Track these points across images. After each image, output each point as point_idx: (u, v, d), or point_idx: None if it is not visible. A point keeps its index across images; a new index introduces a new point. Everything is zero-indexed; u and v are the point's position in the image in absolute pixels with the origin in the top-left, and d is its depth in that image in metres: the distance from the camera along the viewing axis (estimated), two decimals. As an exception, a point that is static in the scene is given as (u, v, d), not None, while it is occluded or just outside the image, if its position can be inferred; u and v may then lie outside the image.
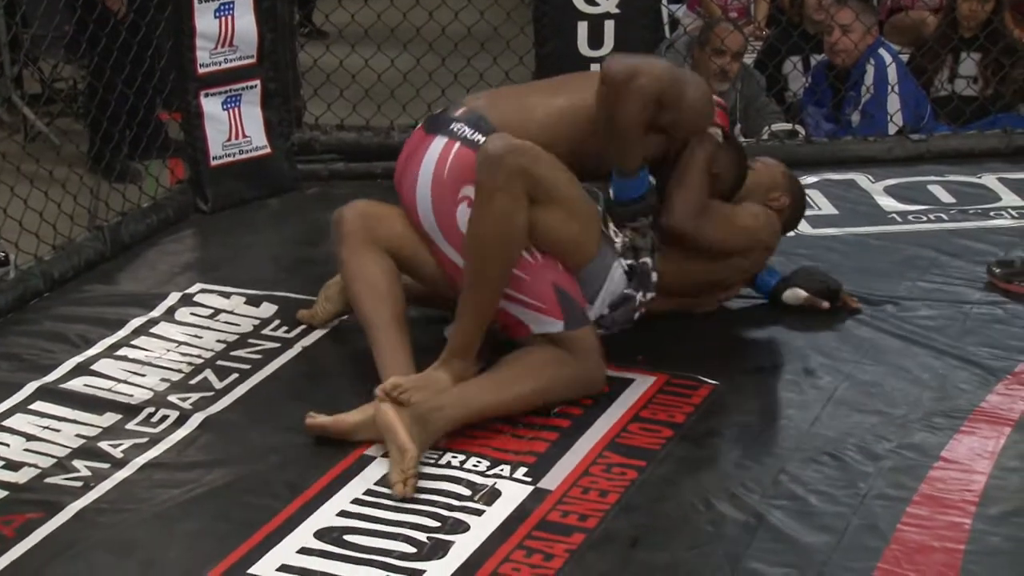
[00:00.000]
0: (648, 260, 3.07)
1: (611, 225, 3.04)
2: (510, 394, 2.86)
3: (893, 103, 5.13)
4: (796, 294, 3.33)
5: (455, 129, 2.98)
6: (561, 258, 2.97)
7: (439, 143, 2.98)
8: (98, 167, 4.88)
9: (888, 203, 4.12)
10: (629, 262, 3.05)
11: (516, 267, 2.89)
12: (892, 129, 5.01)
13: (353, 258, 3.03)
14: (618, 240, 3.04)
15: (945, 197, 4.16)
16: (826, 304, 3.32)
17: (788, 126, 5.11)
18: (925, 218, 4.01)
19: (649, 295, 3.10)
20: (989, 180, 4.28)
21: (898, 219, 4.01)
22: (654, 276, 3.08)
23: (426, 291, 3.17)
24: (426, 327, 3.14)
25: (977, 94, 5.43)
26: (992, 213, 4.03)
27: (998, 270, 3.51)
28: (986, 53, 5.39)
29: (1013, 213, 4.02)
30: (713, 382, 3.04)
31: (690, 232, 3.10)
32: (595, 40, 4.20)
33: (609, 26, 4.20)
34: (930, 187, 4.24)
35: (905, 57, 5.60)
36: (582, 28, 4.20)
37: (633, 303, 3.08)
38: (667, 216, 3.09)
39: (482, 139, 2.92)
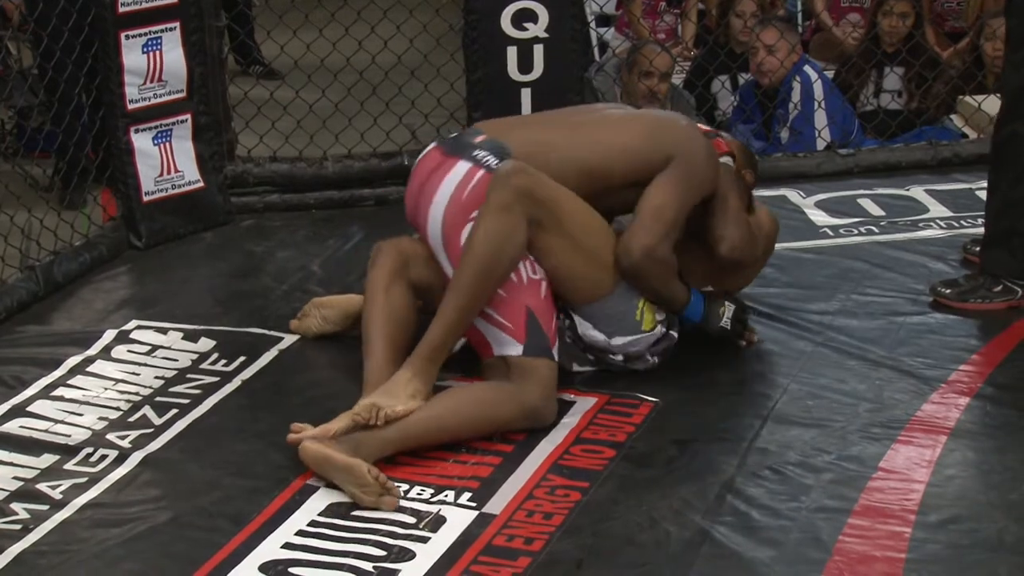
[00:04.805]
0: (675, 333, 3.16)
1: None
2: (448, 422, 2.88)
3: (820, 119, 5.20)
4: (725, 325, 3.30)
5: (479, 156, 3.05)
6: (569, 288, 3.04)
7: (463, 167, 3.05)
8: (67, 194, 4.85)
9: (819, 217, 4.18)
10: (663, 328, 3.13)
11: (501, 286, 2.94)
12: (821, 145, 5.08)
13: (378, 281, 3.11)
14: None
15: (875, 210, 4.22)
16: (742, 343, 3.32)
17: (719, 145, 5.16)
18: (856, 231, 4.06)
19: (657, 361, 3.16)
20: (917, 192, 4.35)
21: (830, 233, 4.06)
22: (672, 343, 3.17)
23: None
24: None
25: (902, 108, 5.52)
26: (921, 224, 4.09)
27: (947, 291, 3.49)
28: (909, 67, 5.48)
29: (941, 224, 4.09)
30: (653, 400, 3.06)
31: (749, 258, 3.28)
32: (525, 65, 4.23)
33: (538, 50, 4.22)
34: (860, 200, 4.29)
35: (830, 73, 5.69)
36: (512, 53, 4.22)
37: (646, 363, 3.15)
38: (728, 249, 3.19)
39: None
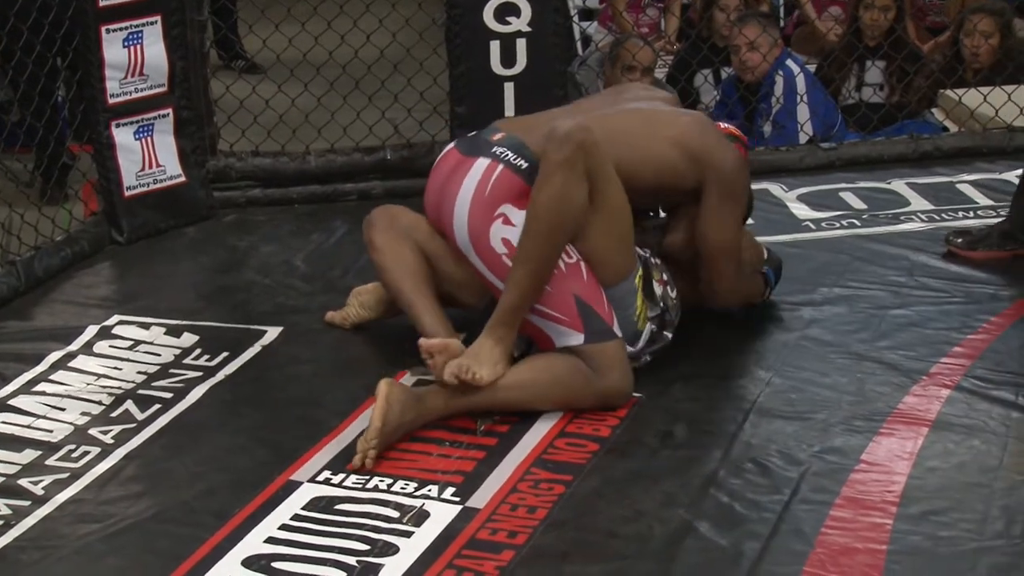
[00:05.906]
0: (669, 335, 3.17)
1: (655, 285, 3.12)
2: (531, 403, 2.94)
3: (802, 113, 5.21)
4: None
5: (498, 152, 3.04)
6: (597, 271, 3.01)
7: (482, 164, 3.04)
8: (47, 188, 4.83)
9: (802, 211, 4.19)
10: (653, 327, 3.12)
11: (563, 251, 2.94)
12: (803, 138, 5.09)
13: (382, 239, 3.19)
14: (659, 306, 3.13)
15: (857, 203, 4.23)
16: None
17: (701, 139, 5.15)
18: (838, 224, 4.07)
19: (646, 360, 3.15)
20: (898, 185, 4.36)
21: (812, 226, 4.07)
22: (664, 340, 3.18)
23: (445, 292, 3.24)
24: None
25: (884, 101, 5.54)
26: (903, 217, 4.11)
27: (959, 240, 3.64)
28: (891, 61, 5.50)
29: (922, 217, 4.10)
30: (637, 394, 3.07)
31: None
32: (508, 59, 4.22)
33: (521, 44, 4.22)
34: (842, 194, 4.31)
35: (812, 67, 5.70)
36: (494, 47, 4.22)
37: (638, 362, 3.12)
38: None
39: (525, 164, 2.99)
